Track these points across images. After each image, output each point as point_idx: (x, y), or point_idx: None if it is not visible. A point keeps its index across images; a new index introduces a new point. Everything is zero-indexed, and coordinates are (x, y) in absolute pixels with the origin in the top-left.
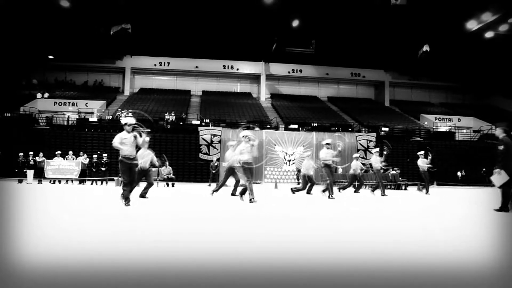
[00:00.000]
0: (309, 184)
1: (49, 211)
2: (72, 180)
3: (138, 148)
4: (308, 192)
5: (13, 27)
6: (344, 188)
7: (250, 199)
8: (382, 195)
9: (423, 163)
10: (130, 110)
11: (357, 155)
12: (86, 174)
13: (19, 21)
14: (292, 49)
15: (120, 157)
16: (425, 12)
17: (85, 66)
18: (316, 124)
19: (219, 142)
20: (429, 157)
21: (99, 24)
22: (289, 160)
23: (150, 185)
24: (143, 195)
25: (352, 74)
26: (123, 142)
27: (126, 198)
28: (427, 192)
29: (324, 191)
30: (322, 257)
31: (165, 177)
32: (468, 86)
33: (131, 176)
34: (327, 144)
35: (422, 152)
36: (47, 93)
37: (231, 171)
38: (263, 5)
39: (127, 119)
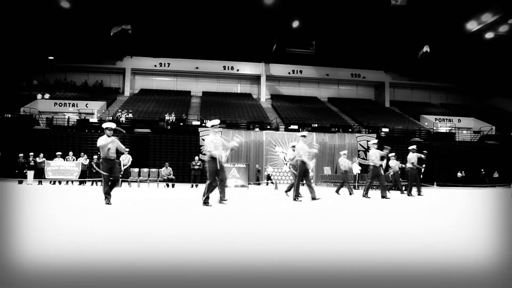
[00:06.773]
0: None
1: (50, 212)
2: (72, 181)
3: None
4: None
5: (14, 28)
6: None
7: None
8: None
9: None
10: (130, 110)
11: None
12: (86, 175)
13: (19, 22)
14: (292, 50)
15: (101, 159)
16: (425, 13)
17: (85, 67)
18: (316, 125)
19: None
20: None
21: (99, 25)
22: None
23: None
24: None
25: (352, 75)
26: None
27: (106, 194)
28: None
29: (296, 196)
30: (321, 258)
31: (165, 177)
32: (468, 87)
33: (114, 173)
34: (302, 136)
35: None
36: (48, 94)
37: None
38: (263, 6)
39: (109, 123)
